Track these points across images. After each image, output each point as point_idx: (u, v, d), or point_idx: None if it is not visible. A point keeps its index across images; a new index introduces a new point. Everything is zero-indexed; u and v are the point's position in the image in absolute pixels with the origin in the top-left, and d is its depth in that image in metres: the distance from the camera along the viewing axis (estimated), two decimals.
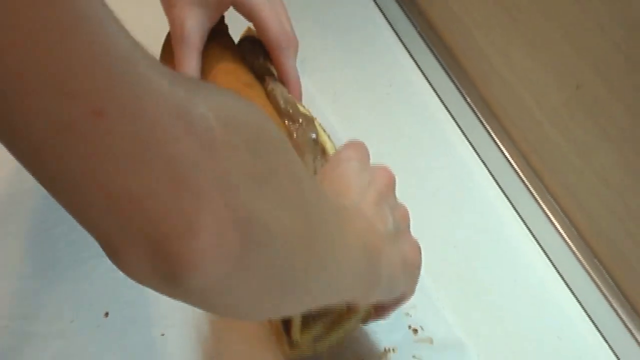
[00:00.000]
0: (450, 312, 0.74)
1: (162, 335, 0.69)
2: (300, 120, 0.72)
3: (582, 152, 0.79)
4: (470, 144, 0.90)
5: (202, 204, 0.37)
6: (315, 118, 0.73)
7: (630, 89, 0.71)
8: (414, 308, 0.73)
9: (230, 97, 0.43)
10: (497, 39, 0.88)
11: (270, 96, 0.74)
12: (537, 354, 0.74)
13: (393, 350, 0.71)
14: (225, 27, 0.80)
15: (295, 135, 0.70)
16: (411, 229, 0.77)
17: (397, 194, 0.80)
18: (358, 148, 0.63)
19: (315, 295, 0.51)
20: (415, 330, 0.72)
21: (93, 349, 0.69)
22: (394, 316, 0.71)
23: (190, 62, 0.75)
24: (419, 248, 0.61)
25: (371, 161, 0.65)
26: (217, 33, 0.78)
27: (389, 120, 0.91)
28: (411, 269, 0.60)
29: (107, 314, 0.71)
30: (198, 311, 0.70)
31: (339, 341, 0.67)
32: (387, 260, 0.57)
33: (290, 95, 0.75)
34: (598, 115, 0.75)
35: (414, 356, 0.70)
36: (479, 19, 0.90)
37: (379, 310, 0.64)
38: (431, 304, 0.74)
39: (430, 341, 0.72)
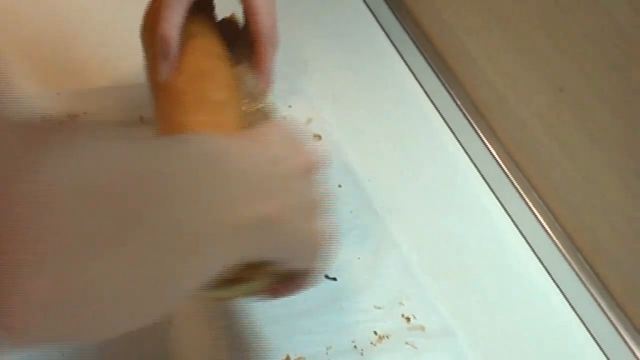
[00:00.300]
0: (441, 302, 0.75)
1: (170, 323, 0.69)
2: (260, 106, 0.71)
3: (566, 150, 0.80)
4: (460, 143, 0.91)
5: (27, 279, 0.35)
6: (274, 113, 0.72)
7: (614, 91, 0.73)
8: (407, 298, 0.74)
9: (91, 156, 0.40)
10: (484, 44, 0.90)
11: (238, 78, 0.73)
12: (524, 340, 0.75)
13: (387, 337, 0.71)
14: (212, 7, 0.79)
15: (250, 116, 0.69)
16: (398, 222, 0.81)
17: (390, 189, 0.84)
18: (285, 126, 0.63)
19: (193, 281, 0.50)
20: (408, 319, 0.73)
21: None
22: (387, 305, 0.73)
23: (175, 16, 0.73)
24: (325, 230, 0.59)
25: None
26: (204, 7, 0.77)
27: (384, 121, 0.91)
28: (311, 244, 0.58)
29: None
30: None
31: (228, 299, 0.68)
32: (284, 230, 0.55)
33: (260, 84, 0.75)
34: (581, 116, 0.78)
35: (406, 343, 0.71)
36: (468, 26, 0.92)
37: (285, 287, 0.63)
38: (423, 295, 0.75)
39: (422, 329, 0.73)
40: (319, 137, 0.87)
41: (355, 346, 0.70)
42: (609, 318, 0.76)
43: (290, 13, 0.94)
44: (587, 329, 0.78)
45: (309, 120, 0.88)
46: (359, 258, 0.77)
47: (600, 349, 0.76)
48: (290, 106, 0.89)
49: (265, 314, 0.71)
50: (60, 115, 0.82)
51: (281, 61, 0.87)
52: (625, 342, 0.74)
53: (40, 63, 0.87)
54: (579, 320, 0.78)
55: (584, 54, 0.76)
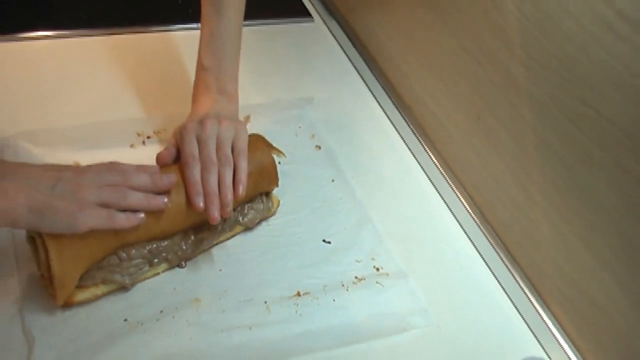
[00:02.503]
0: (399, 257, 0.76)
1: (220, 270, 0.70)
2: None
3: (481, 160, 0.82)
4: (413, 154, 0.91)
5: None
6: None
7: (511, 120, 0.75)
8: (377, 255, 0.75)
9: None
10: (428, 89, 0.90)
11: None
12: (450, 279, 0.76)
13: (364, 279, 0.73)
14: None
15: None
16: (372, 205, 0.81)
17: (366, 184, 0.84)
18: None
19: None
20: (378, 269, 0.74)
21: (173, 283, 0.68)
22: (364, 260, 0.74)
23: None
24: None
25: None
26: None
27: (363, 138, 0.92)
28: (49, 212, 0.56)
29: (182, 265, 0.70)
30: (239, 256, 0.72)
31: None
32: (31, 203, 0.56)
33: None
34: (490, 137, 0.79)
35: (377, 282, 0.73)
36: (419, 78, 0.92)
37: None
38: (387, 253, 0.76)
39: (387, 275, 0.74)
40: (319, 147, 0.87)
41: (342, 284, 0.72)
42: (502, 259, 0.78)
43: (301, 67, 0.98)
44: (491, 270, 0.79)
45: (313, 136, 0.89)
46: (345, 228, 0.78)
47: (498, 282, 0.77)
48: (300, 127, 0.89)
49: (283, 266, 0.72)
50: (149, 132, 0.82)
51: (296, 97, 0.91)
52: (516, 279, 0.76)
53: (141, 99, 0.89)
54: (486, 266, 0.79)
55: (491, 95, 0.77)
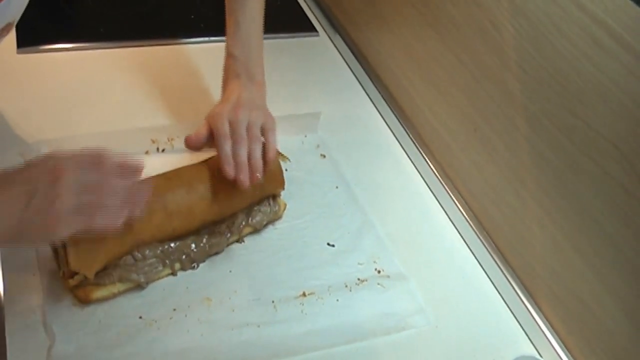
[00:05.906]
0: (399, 260, 0.76)
1: (230, 271, 0.71)
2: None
3: (476, 167, 0.82)
4: (412, 162, 0.91)
5: None
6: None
7: (504, 131, 0.75)
8: (378, 258, 0.75)
9: None
10: (428, 102, 0.90)
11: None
12: (449, 285, 0.76)
13: (366, 280, 0.73)
14: None
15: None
16: (373, 210, 0.82)
17: (368, 190, 0.84)
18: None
19: None
20: (379, 271, 0.74)
21: (186, 283, 0.69)
22: (366, 262, 0.74)
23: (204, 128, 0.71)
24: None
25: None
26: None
27: (365, 148, 0.92)
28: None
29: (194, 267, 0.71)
30: (248, 258, 0.72)
31: None
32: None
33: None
34: (486, 146, 0.79)
35: (378, 284, 0.73)
36: (419, 91, 0.92)
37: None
38: (389, 256, 0.76)
39: (388, 276, 0.74)
40: (323, 156, 0.87)
41: (346, 285, 0.72)
42: (496, 261, 0.78)
43: (306, 79, 0.99)
44: (481, 265, 0.79)
45: (318, 146, 0.89)
46: (348, 232, 0.78)
47: (492, 283, 0.77)
48: (305, 136, 0.90)
49: (290, 267, 0.72)
50: (162, 139, 0.83)
51: (303, 111, 0.91)
52: (509, 280, 0.76)
53: (156, 108, 0.89)
54: (480, 268, 0.79)
55: (488, 107, 0.78)
